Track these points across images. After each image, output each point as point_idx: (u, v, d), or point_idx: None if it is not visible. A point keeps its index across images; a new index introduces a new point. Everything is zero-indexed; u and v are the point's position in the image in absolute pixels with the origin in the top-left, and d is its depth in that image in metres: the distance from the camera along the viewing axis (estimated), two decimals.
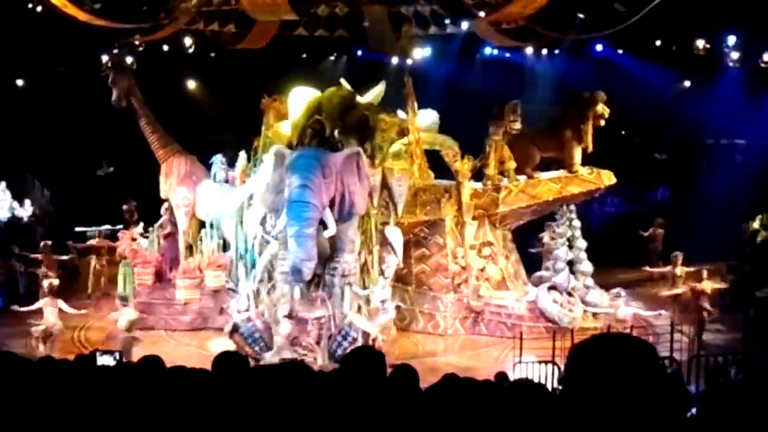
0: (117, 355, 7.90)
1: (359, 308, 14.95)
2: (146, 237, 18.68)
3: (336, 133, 15.67)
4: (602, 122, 17.78)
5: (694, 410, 4.27)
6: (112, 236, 19.90)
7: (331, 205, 14.69)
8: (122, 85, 17.99)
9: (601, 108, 17.61)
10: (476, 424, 3.77)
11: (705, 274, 15.91)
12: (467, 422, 3.83)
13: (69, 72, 23.34)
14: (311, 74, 20.77)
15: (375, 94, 17.21)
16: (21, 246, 19.84)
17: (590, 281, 17.32)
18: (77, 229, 22.12)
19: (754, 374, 5.43)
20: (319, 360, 14.12)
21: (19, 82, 23.69)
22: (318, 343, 14.46)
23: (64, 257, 19.04)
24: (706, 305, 15.35)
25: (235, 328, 14.78)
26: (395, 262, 15.95)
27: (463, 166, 17.55)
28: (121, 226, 20.15)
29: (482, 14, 18.33)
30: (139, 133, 18.77)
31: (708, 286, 15.53)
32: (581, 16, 18.91)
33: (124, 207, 22.73)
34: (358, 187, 14.90)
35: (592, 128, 17.66)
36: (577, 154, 17.84)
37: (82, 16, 16.57)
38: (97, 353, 7.80)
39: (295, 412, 3.18)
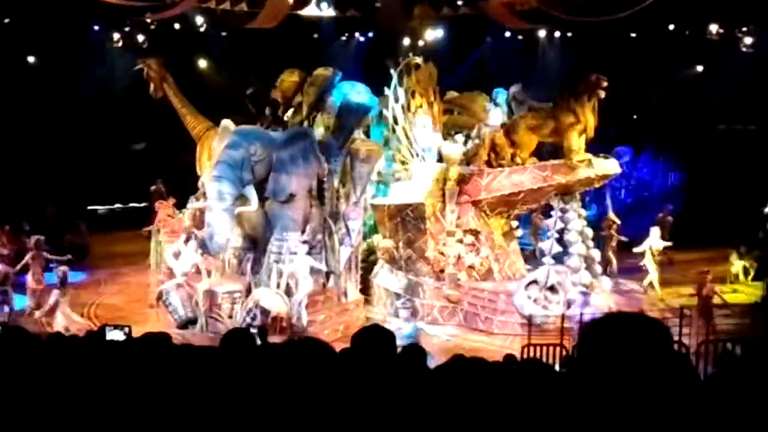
0: (126, 330, 7.93)
1: (288, 286, 14.76)
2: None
3: (313, 111, 16.09)
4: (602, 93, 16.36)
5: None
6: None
7: (264, 181, 14.76)
8: (155, 77, 18.83)
9: (600, 89, 16.31)
10: (486, 403, 3.77)
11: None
12: (477, 401, 3.83)
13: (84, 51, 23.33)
14: (322, 54, 20.73)
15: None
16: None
17: (581, 277, 16.01)
18: (90, 207, 22.19)
19: (757, 354, 5.40)
20: None
21: (30, 59, 23.66)
22: (231, 316, 14.47)
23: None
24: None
25: (160, 295, 15.11)
26: (350, 242, 15.89)
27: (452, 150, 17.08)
28: (140, 204, 20.27)
29: None
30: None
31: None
32: None
33: (152, 188, 22.82)
34: (300, 168, 14.91)
35: (591, 111, 16.47)
36: (575, 139, 16.42)
37: None
38: (107, 328, 7.81)
39: (303, 389, 3.18)
